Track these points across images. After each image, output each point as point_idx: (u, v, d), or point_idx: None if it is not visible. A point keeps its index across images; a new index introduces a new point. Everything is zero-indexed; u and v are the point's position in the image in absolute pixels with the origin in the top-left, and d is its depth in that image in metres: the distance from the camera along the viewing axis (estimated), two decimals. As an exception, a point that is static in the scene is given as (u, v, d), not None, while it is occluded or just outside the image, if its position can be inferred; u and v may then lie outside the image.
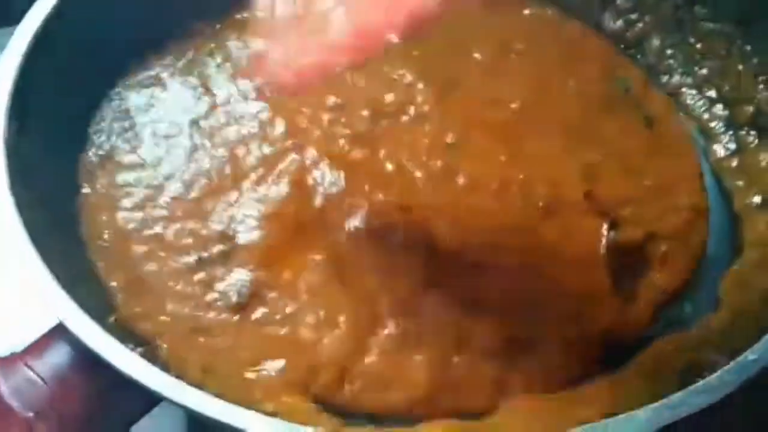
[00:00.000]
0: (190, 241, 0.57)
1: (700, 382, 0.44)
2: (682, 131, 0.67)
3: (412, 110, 0.64)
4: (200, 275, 0.55)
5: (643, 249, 0.59)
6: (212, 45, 0.69)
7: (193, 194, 0.59)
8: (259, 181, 0.60)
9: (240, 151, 0.61)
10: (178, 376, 0.46)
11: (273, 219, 0.58)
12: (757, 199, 0.62)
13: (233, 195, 0.59)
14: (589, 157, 0.62)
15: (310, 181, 0.59)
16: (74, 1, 0.59)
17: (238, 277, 0.55)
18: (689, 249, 0.60)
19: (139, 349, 0.47)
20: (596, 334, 0.54)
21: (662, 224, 0.60)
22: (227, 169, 0.60)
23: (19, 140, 0.53)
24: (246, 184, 0.60)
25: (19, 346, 0.50)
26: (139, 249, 0.56)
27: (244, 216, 0.58)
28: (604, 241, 0.57)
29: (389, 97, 0.64)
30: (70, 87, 0.59)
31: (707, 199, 0.63)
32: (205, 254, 0.56)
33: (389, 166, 0.60)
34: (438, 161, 0.60)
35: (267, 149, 0.61)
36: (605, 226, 0.58)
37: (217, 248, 0.56)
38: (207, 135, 0.63)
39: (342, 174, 0.59)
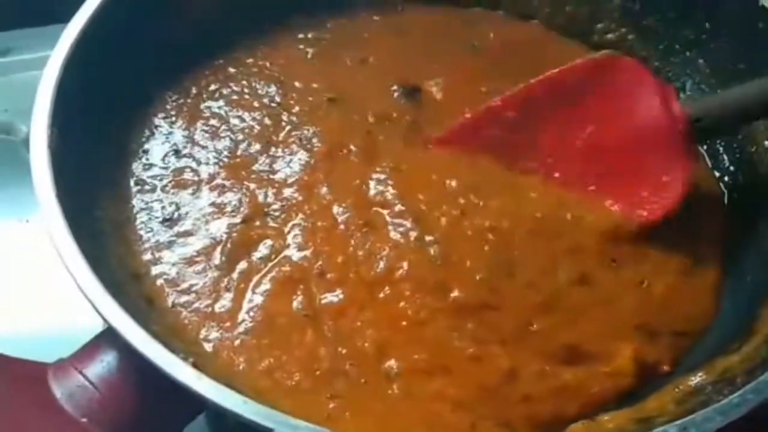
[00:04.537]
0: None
1: (724, 400, 0.46)
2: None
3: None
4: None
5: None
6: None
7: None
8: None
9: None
10: (228, 384, 0.47)
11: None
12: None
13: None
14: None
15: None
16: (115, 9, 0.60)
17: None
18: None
19: (191, 359, 0.48)
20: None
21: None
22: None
23: (64, 147, 0.53)
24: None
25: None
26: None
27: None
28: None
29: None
30: (112, 93, 0.60)
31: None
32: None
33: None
34: None
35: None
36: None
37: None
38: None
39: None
